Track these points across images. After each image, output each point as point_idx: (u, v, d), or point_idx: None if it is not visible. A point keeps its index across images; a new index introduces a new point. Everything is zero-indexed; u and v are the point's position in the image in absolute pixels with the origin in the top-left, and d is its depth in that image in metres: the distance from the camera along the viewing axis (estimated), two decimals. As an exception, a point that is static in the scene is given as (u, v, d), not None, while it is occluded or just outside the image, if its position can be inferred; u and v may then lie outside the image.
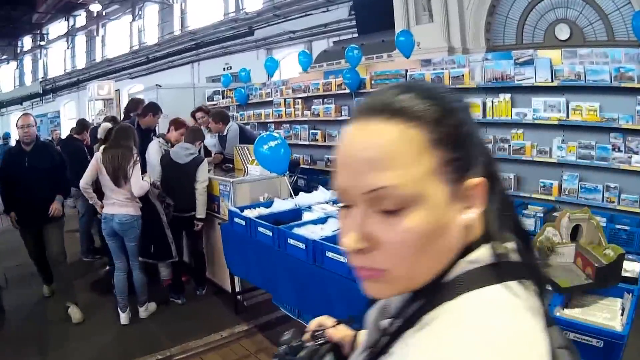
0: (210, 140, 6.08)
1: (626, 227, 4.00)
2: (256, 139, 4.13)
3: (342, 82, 6.39)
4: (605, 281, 1.77)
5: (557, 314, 1.73)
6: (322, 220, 3.29)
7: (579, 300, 1.87)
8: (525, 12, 7.72)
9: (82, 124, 6.31)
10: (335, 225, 3.19)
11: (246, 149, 4.82)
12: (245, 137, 5.47)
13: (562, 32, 7.31)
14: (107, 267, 4.74)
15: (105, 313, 4.16)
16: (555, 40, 7.32)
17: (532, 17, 7.67)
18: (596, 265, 1.73)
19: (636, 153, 4.04)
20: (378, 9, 9.47)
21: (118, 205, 3.75)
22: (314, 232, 3.02)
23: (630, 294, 1.81)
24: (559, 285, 1.77)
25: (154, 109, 5.49)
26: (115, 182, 3.70)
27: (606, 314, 1.74)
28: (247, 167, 4.70)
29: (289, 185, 4.15)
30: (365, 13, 10.33)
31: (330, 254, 2.63)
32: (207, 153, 6.33)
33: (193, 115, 6.28)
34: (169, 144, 4.70)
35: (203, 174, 4.25)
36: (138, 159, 3.83)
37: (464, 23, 8.20)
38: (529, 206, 4.78)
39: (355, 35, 10.88)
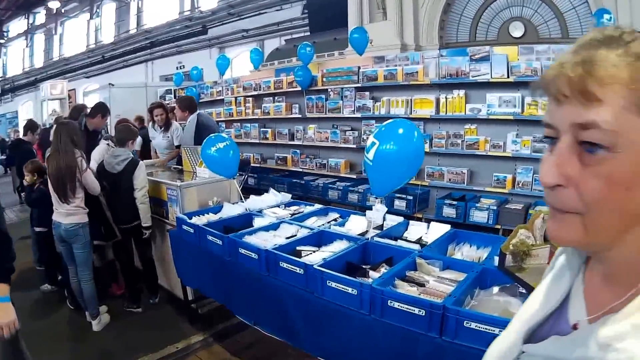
0: (160, 142, 5.52)
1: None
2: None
3: (294, 79, 6.17)
4: (581, 283, 1.63)
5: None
6: (275, 226, 3.05)
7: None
8: (480, 10, 7.80)
9: (27, 125, 5.85)
10: (288, 232, 2.96)
11: (195, 151, 4.49)
12: (200, 137, 4.55)
13: (516, 29, 7.44)
14: (59, 277, 4.46)
15: (63, 325, 3.91)
16: (509, 37, 7.43)
17: (486, 15, 7.77)
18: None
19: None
20: (331, 8, 9.38)
21: (64, 215, 3.59)
22: (266, 240, 2.77)
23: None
24: (534, 289, 1.62)
25: (102, 110, 5.12)
26: (60, 198, 3.54)
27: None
28: (195, 169, 4.38)
29: (238, 188, 3.88)
30: (319, 11, 10.22)
31: (284, 265, 2.39)
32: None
33: (151, 111, 5.72)
34: None
35: (140, 180, 3.88)
36: (84, 163, 3.61)
37: (417, 21, 8.20)
38: (482, 199, 4.74)
39: (308, 33, 10.73)
